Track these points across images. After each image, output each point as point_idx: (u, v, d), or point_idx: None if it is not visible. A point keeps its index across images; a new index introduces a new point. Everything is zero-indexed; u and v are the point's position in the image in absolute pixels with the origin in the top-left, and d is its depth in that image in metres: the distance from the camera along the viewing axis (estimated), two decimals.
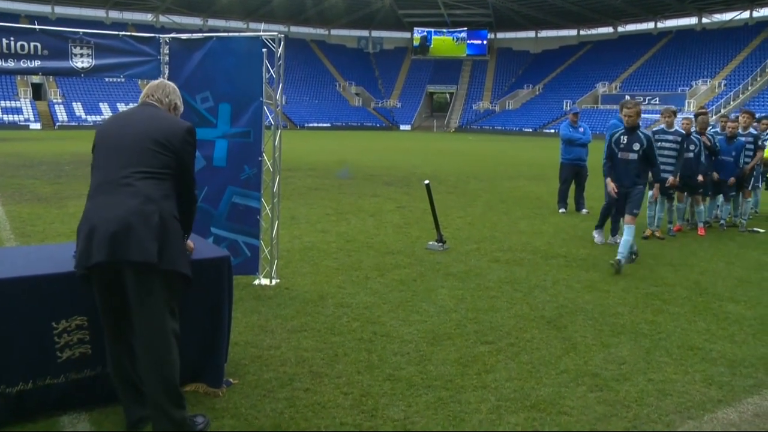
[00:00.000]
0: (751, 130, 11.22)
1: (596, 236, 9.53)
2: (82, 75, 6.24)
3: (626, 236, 7.73)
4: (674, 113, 10.08)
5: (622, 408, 4.03)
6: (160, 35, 6.67)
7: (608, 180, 8.26)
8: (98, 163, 3.52)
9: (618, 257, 7.52)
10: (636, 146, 8.02)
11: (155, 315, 3.35)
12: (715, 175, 10.60)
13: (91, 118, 57.32)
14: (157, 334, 3.36)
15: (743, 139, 10.88)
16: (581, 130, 12.25)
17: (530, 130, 63.84)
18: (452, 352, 4.89)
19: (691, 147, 10.13)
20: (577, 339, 5.26)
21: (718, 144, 10.62)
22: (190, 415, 3.55)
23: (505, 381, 4.38)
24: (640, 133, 8.05)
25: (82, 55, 6.07)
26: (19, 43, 5.66)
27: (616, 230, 9.40)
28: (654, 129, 9.92)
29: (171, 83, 3.92)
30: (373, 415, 3.85)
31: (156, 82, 3.87)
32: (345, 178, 6.93)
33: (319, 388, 4.20)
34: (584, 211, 12.24)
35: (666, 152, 9.69)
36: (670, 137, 9.82)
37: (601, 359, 4.83)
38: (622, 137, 8.11)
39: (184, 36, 6.59)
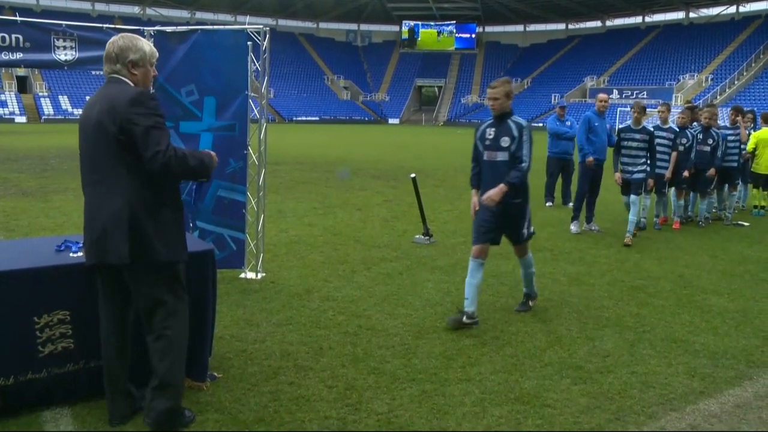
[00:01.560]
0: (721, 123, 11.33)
1: (573, 227, 9.67)
2: (66, 68, 6.17)
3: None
4: (669, 108, 10.06)
5: (605, 400, 4.05)
6: (145, 28, 6.62)
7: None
8: (81, 158, 3.54)
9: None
10: (683, 140, 9.86)
11: (153, 306, 3.47)
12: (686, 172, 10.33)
13: (77, 112, 56.81)
14: (157, 326, 3.48)
15: (725, 132, 10.90)
16: (568, 123, 12.29)
17: None
18: (437, 346, 4.90)
19: (683, 141, 10.07)
20: (562, 332, 5.28)
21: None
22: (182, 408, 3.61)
23: (489, 374, 4.39)
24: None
25: (65, 48, 6.01)
26: (0, 35, 5.59)
27: (590, 218, 9.80)
28: (651, 126, 9.92)
29: (116, 40, 3.49)
30: (357, 408, 3.85)
31: (105, 51, 3.52)
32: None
33: (304, 382, 4.20)
34: (571, 204, 12.28)
35: (660, 148, 9.65)
36: (664, 133, 9.81)
37: (586, 352, 4.85)
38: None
39: (168, 29, 6.54)
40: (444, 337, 5.10)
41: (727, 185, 11.12)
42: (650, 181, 9.09)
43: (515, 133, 5.46)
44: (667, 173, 9.86)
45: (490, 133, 5.59)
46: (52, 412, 3.68)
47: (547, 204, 12.42)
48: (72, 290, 3.69)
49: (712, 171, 10.50)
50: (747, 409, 3.99)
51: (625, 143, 9.06)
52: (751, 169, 12.05)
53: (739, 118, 11.28)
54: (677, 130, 9.99)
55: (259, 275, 6.71)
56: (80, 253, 3.91)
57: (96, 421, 3.61)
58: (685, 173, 10.09)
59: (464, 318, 5.27)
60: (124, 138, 3.30)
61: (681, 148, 10.05)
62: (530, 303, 5.92)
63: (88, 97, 3.74)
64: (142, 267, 3.40)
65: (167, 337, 3.49)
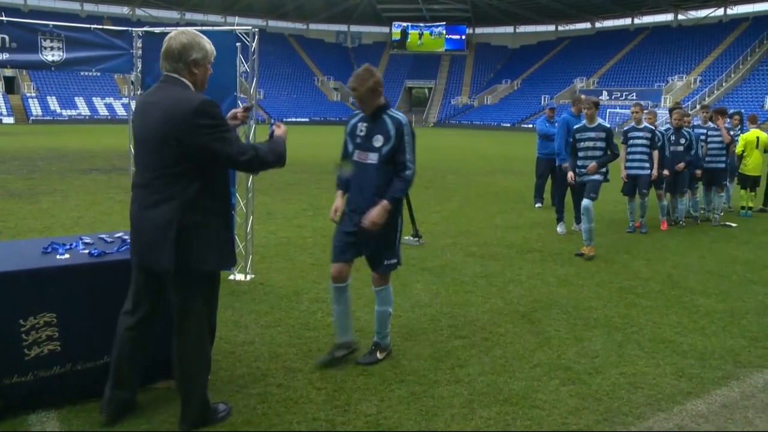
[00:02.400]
0: (710, 123, 11.29)
1: (559, 229, 9.75)
2: (53, 68, 6.14)
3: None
4: (642, 108, 9.95)
5: (593, 401, 4.06)
6: (133, 29, 6.59)
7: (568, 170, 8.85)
8: (134, 159, 3.59)
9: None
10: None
11: (189, 312, 3.49)
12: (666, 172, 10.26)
13: (66, 113, 56.60)
14: (189, 331, 3.51)
15: (698, 131, 10.94)
16: (557, 125, 12.31)
17: (508, 125, 64.07)
18: (426, 347, 4.90)
19: (656, 139, 9.97)
20: (551, 333, 5.29)
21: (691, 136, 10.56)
22: (213, 403, 3.66)
23: (478, 375, 4.40)
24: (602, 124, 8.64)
25: (52, 48, 5.98)
26: None
27: (579, 218, 9.69)
28: (625, 127, 9.94)
29: (178, 36, 3.43)
30: (345, 410, 3.84)
31: (163, 47, 3.46)
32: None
33: (293, 384, 4.18)
34: None
35: (638, 149, 9.69)
36: (640, 133, 9.74)
37: (574, 353, 4.87)
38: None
39: (157, 29, 6.52)
40: (433, 338, 5.10)
41: (714, 186, 11.17)
42: (591, 166, 8.22)
43: (391, 131, 4.36)
44: (654, 172, 9.78)
45: (362, 128, 4.49)
46: (38, 415, 3.65)
47: (537, 205, 12.45)
48: (59, 293, 3.67)
49: (698, 172, 10.55)
50: (734, 409, 4.01)
51: (580, 144, 8.58)
52: (739, 171, 12.13)
53: (719, 121, 11.24)
54: (652, 128, 9.89)
55: (248, 277, 6.69)
56: (67, 255, 3.89)
57: (83, 424, 3.58)
58: (665, 172, 10.08)
59: (335, 353, 4.52)
60: (187, 148, 3.28)
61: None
62: (378, 354, 4.58)
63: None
64: (186, 279, 3.41)
65: (191, 339, 3.51)
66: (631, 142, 9.77)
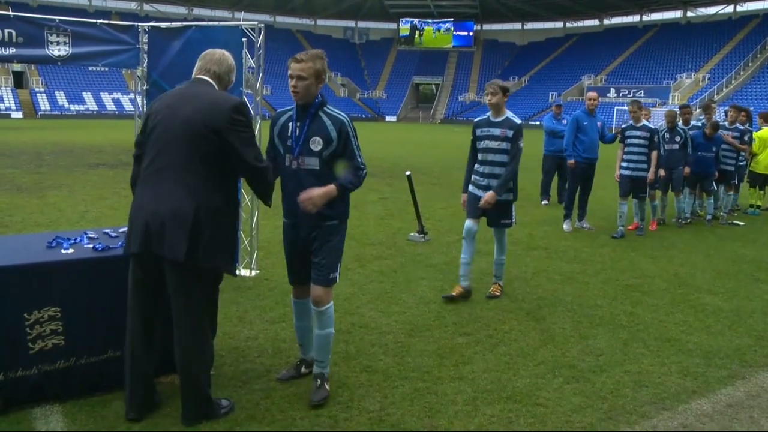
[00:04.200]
0: (738, 125, 11.26)
1: (565, 226, 9.71)
2: (59, 63, 6.15)
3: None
4: (640, 107, 9.57)
5: (597, 399, 4.05)
6: (139, 24, 6.59)
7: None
8: (148, 147, 3.53)
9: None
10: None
11: (189, 309, 3.49)
12: (687, 170, 10.26)
13: (74, 107, 56.75)
14: (190, 327, 3.51)
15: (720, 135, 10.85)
16: (564, 122, 12.26)
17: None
18: (430, 344, 4.89)
19: (656, 138, 9.61)
20: (556, 330, 5.28)
21: (693, 139, 10.35)
22: (215, 399, 3.67)
23: (482, 372, 4.39)
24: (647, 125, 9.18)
25: (58, 43, 5.98)
26: None
27: (582, 216, 9.83)
28: (624, 125, 9.74)
29: (230, 56, 3.75)
30: (348, 406, 3.84)
31: (216, 55, 3.69)
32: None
33: (296, 380, 4.18)
34: None
35: (635, 149, 9.41)
36: (638, 133, 9.45)
37: (579, 351, 4.85)
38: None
39: (163, 25, 6.52)
40: (437, 335, 5.09)
41: (722, 186, 11.12)
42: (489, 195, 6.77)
43: (333, 133, 3.81)
44: (650, 174, 9.43)
45: (294, 129, 3.87)
46: (42, 409, 3.66)
47: (543, 202, 12.42)
48: (63, 287, 3.68)
49: (686, 170, 10.29)
50: (739, 408, 3.99)
51: (627, 141, 9.37)
52: (750, 168, 12.05)
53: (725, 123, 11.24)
54: (652, 127, 9.56)
55: (253, 272, 6.70)
56: (71, 250, 3.89)
57: (87, 418, 3.59)
58: (661, 172, 9.85)
59: (301, 369, 4.24)
60: (218, 140, 3.37)
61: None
62: (327, 387, 3.94)
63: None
64: (192, 270, 3.40)
65: (193, 334, 3.52)
66: (628, 141, 9.51)
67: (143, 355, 3.60)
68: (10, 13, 5.75)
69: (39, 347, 3.65)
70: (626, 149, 9.54)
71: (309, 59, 3.86)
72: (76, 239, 4.12)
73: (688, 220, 10.77)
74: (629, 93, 58.67)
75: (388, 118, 71.47)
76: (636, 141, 9.41)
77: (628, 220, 9.82)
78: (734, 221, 10.97)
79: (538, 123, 57.28)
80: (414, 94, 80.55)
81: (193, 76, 3.70)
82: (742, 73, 56.93)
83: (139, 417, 3.57)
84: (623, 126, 9.86)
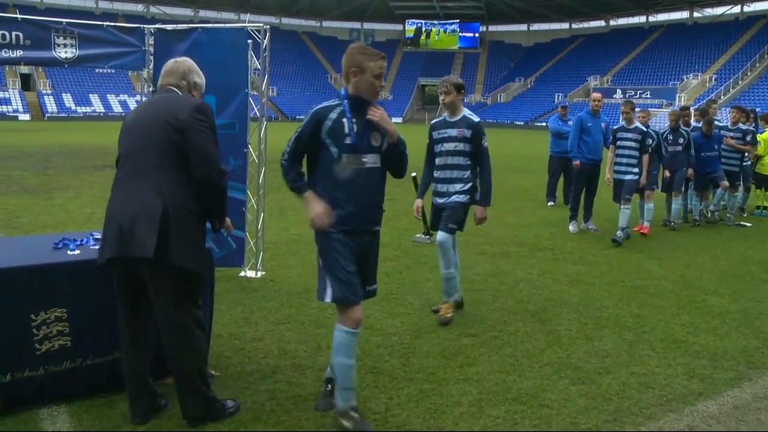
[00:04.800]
0: (740, 125, 11.22)
1: (571, 227, 9.69)
2: (66, 65, 6.18)
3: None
4: (633, 108, 9.20)
5: (603, 401, 4.04)
6: (145, 26, 6.62)
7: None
8: (119, 157, 3.58)
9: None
10: (648, 141, 9.19)
11: (167, 307, 3.46)
12: (690, 171, 10.15)
13: (80, 109, 56.99)
14: (171, 326, 3.49)
15: (720, 132, 10.78)
16: (570, 123, 12.25)
17: (521, 123, 63.82)
18: (436, 345, 4.89)
19: (648, 141, 9.29)
20: (561, 332, 5.27)
21: (695, 140, 10.19)
22: (220, 399, 3.67)
23: (487, 374, 4.38)
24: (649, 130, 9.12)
25: (65, 45, 6.01)
26: (0, 33, 5.59)
27: (588, 217, 9.82)
28: (615, 126, 9.41)
29: (185, 60, 3.74)
30: None
31: (168, 66, 3.71)
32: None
33: (301, 381, 4.19)
34: None
35: (626, 151, 9.03)
36: (630, 134, 9.05)
37: (584, 352, 4.84)
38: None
39: (169, 27, 6.54)
40: (442, 336, 5.09)
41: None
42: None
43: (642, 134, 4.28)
44: (642, 179, 9.04)
45: (351, 125, 3.54)
46: (49, 409, 3.67)
47: (549, 203, 12.40)
48: (69, 288, 3.69)
49: (690, 172, 10.12)
50: (746, 410, 3.98)
51: (618, 143, 9.08)
52: (755, 170, 12.01)
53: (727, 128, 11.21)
54: (644, 129, 9.15)
55: (259, 274, 6.71)
56: (77, 251, 3.91)
57: (93, 419, 3.60)
58: (666, 173, 9.67)
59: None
60: (179, 139, 3.38)
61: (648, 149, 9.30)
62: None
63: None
64: (163, 268, 3.37)
65: (177, 333, 3.50)
66: (619, 143, 9.13)
67: (134, 358, 3.60)
68: (18, 16, 5.78)
69: (45, 348, 3.66)
70: (617, 152, 9.20)
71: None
72: (82, 240, 4.14)
73: (698, 222, 10.71)
74: (635, 94, 58.52)
75: (394, 120, 70.08)
76: (627, 143, 9.04)
77: (632, 222, 9.79)
78: (741, 222, 10.93)
79: (543, 124, 57.22)
80: (420, 95, 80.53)
81: (158, 88, 3.75)
82: (749, 73, 56.73)
83: (144, 420, 3.57)
84: (615, 127, 9.44)
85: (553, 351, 4.85)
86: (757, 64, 57.39)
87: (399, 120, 71.60)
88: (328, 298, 3.58)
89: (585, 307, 5.97)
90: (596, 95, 9.76)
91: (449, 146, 5.49)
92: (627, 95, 58.17)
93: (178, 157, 3.40)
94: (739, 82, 55.91)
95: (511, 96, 73.16)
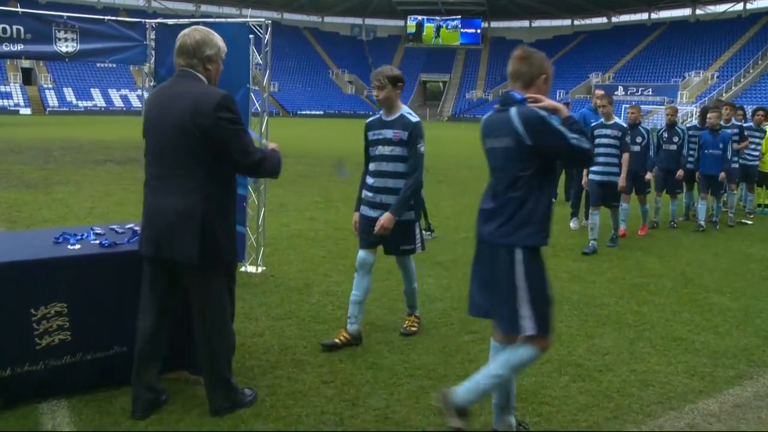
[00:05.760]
0: (734, 121, 11.16)
1: (572, 224, 9.70)
2: (67, 59, 6.17)
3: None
4: (610, 101, 8.51)
5: (603, 398, 4.03)
6: (146, 20, 6.61)
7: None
8: (147, 153, 3.59)
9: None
10: (638, 139, 8.97)
11: (209, 303, 3.55)
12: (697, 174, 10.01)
13: (82, 104, 56.97)
14: (211, 321, 3.57)
15: (729, 131, 10.68)
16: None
17: None
18: (436, 342, 4.89)
19: (638, 140, 9.02)
20: (562, 329, 5.26)
21: (701, 137, 10.00)
22: (240, 388, 3.75)
23: None
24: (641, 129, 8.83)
25: (66, 40, 6.01)
26: (1, 26, 5.58)
27: (588, 214, 9.61)
28: (593, 123, 8.76)
29: (191, 33, 3.52)
30: (354, 403, 3.84)
31: (177, 43, 3.55)
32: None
33: (301, 377, 4.18)
34: None
35: (602, 149, 8.28)
36: (608, 131, 8.34)
37: (585, 349, 4.83)
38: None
39: (170, 21, 6.53)
40: (443, 333, 5.09)
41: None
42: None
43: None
44: (621, 180, 8.33)
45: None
46: (49, 404, 3.67)
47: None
48: (69, 282, 3.69)
49: (680, 173, 9.78)
50: (746, 408, 3.97)
51: (596, 141, 8.14)
52: (758, 168, 11.97)
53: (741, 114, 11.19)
54: (624, 126, 8.47)
55: (259, 269, 6.70)
56: (78, 246, 3.90)
57: (93, 413, 3.60)
58: (648, 175, 9.18)
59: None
60: (209, 140, 3.35)
61: (637, 147, 8.96)
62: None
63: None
64: (209, 268, 3.44)
65: (214, 325, 3.58)
66: (597, 141, 8.28)
67: (151, 354, 3.63)
68: (19, 9, 5.77)
69: (45, 343, 3.66)
70: (595, 150, 8.62)
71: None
72: (82, 235, 4.14)
73: (702, 228, 10.05)
74: (637, 91, 58.50)
75: None
76: (605, 141, 8.31)
77: (633, 222, 9.76)
78: (743, 220, 10.92)
79: None
80: (421, 91, 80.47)
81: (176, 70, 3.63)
82: (751, 71, 56.66)
83: (144, 416, 3.57)
84: (593, 124, 8.73)
85: (553, 348, 4.81)
86: (760, 62, 57.30)
87: None
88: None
89: (585, 304, 5.96)
90: (600, 92, 9.69)
91: (385, 150, 4.69)
92: (629, 92, 58.16)
93: (208, 155, 3.39)
94: (742, 80, 55.82)
95: None
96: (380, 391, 4.03)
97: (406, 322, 5.15)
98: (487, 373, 3.23)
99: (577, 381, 4.27)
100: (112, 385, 3.84)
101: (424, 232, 8.59)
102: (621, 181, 8.29)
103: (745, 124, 11.22)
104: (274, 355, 4.54)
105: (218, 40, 3.58)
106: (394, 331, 5.06)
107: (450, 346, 4.81)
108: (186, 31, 3.57)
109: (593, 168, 8.31)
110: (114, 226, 4.45)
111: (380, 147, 4.71)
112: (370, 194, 4.78)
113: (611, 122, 8.33)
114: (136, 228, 4.34)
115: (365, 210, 4.85)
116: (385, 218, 4.58)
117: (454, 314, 5.53)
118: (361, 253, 4.82)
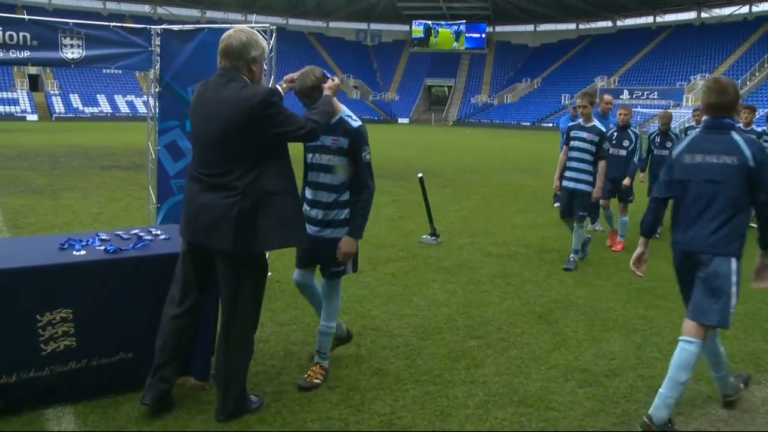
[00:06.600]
0: (754, 126, 11.11)
1: (596, 227, 9.63)
2: (72, 66, 6.20)
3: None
4: (591, 102, 7.58)
5: (610, 404, 4.01)
6: (152, 26, 6.63)
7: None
8: (193, 148, 3.69)
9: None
10: (625, 143, 8.62)
11: (239, 297, 3.58)
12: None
13: (88, 110, 57.15)
14: (238, 320, 3.60)
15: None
16: None
17: (528, 124, 63.75)
18: (441, 347, 4.87)
19: (625, 143, 8.54)
20: (568, 334, 5.24)
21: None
22: (247, 395, 3.76)
23: (493, 376, 4.36)
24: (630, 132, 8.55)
25: (72, 46, 6.03)
26: (8, 33, 5.61)
27: (594, 218, 9.67)
28: (570, 123, 8.14)
29: (239, 34, 3.54)
30: (359, 409, 3.83)
31: (221, 46, 3.56)
32: None
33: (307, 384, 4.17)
34: None
35: (576, 153, 7.46)
36: (584, 134, 7.44)
37: (592, 354, 4.81)
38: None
39: (175, 27, 6.55)
40: (448, 338, 5.07)
41: None
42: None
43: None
44: (596, 191, 7.44)
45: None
46: (54, 410, 3.67)
47: (556, 205, 12.33)
48: (74, 289, 3.69)
49: (626, 180, 8.57)
50: (755, 414, 3.95)
51: (571, 144, 7.53)
52: None
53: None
54: (602, 130, 7.48)
55: None
56: (83, 252, 3.91)
57: (98, 419, 3.60)
58: (626, 181, 8.53)
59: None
60: (262, 136, 3.44)
61: (623, 152, 8.53)
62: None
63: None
64: (241, 257, 3.51)
65: (239, 328, 3.62)
66: (571, 144, 7.52)
67: (174, 349, 3.66)
68: (25, 17, 5.80)
69: (51, 349, 3.66)
70: (569, 154, 7.53)
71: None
72: (88, 241, 4.14)
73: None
74: (642, 95, 58.42)
75: (400, 120, 71.47)
76: (579, 144, 7.45)
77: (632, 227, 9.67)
78: (750, 224, 10.84)
79: (550, 125, 57.16)
80: (426, 96, 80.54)
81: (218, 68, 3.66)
82: (757, 74, 56.50)
83: (152, 403, 3.59)
84: (570, 125, 7.89)
85: (560, 353, 4.82)
86: (765, 65, 57.14)
87: (405, 120, 71.61)
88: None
89: (592, 308, 5.94)
90: (608, 97, 9.59)
91: (322, 159, 4.09)
92: (634, 96, 58.07)
93: (258, 148, 3.46)
94: (747, 83, 55.65)
95: (517, 97, 73.08)
96: (385, 396, 4.01)
97: (310, 371, 4.21)
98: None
99: (584, 386, 4.25)
100: (117, 390, 3.84)
101: (429, 237, 8.64)
102: (596, 192, 7.43)
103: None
104: (279, 360, 4.53)
105: (262, 41, 3.65)
106: (400, 337, 5.05)
107: (455, 351, 4.80)
108: (230, 32, 3.59)
109: (566, 173, 7.56)
110: (119, 232, 4.45)
111: (317, 155, 4.10)
112: (307, 208, 4.16)
113: (589, 125, 7.45)
114: (142, 234, 4.35)
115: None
116: (344, 243, 4.04)
117: (459, 319, 5.51)
118: (295, 274, 4.39)
